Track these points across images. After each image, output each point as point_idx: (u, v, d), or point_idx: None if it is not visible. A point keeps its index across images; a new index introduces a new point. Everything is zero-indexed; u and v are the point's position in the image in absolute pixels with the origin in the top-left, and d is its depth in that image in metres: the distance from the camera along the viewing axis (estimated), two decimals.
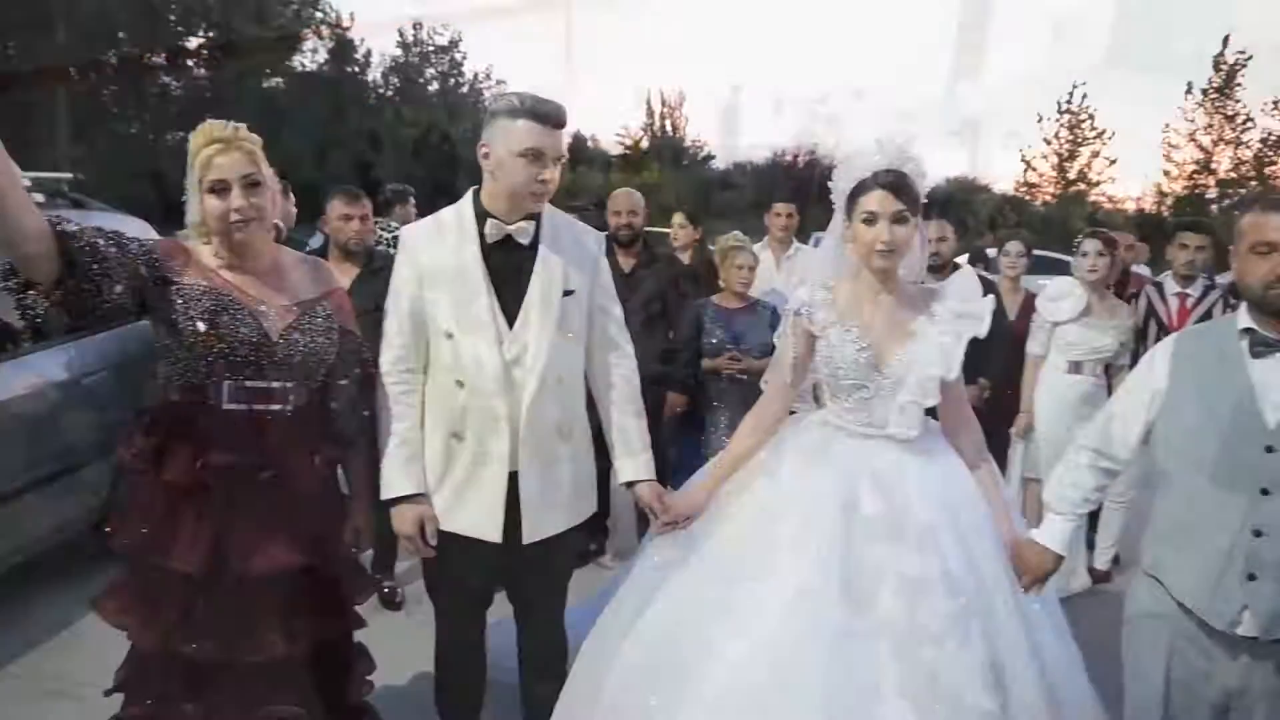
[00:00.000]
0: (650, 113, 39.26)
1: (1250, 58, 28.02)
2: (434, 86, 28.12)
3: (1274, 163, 27.99)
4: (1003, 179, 33.83)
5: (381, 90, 27.02)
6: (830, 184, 2.29)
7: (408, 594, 3.94)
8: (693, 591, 2.14)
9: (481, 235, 2.27)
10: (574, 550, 2.69)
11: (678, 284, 4.22)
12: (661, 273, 4.17)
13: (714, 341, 4.08)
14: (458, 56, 28.72)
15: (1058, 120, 30.38)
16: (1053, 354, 4.17)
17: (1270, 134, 27.96)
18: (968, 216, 27.42)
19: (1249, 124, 28.14)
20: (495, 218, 2.26)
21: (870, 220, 2.13)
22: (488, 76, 29.49)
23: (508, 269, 2.27)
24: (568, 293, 2.31)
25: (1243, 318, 1.94)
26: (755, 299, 4.24)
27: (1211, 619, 1.89)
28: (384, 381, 2.31)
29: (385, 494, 2.28)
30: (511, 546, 2.30)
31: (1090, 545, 4.53)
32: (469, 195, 2.35)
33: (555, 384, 2.30)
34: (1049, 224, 25.88)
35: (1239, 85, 28.15)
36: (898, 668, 1.89)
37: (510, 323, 2.26)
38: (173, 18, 22.40)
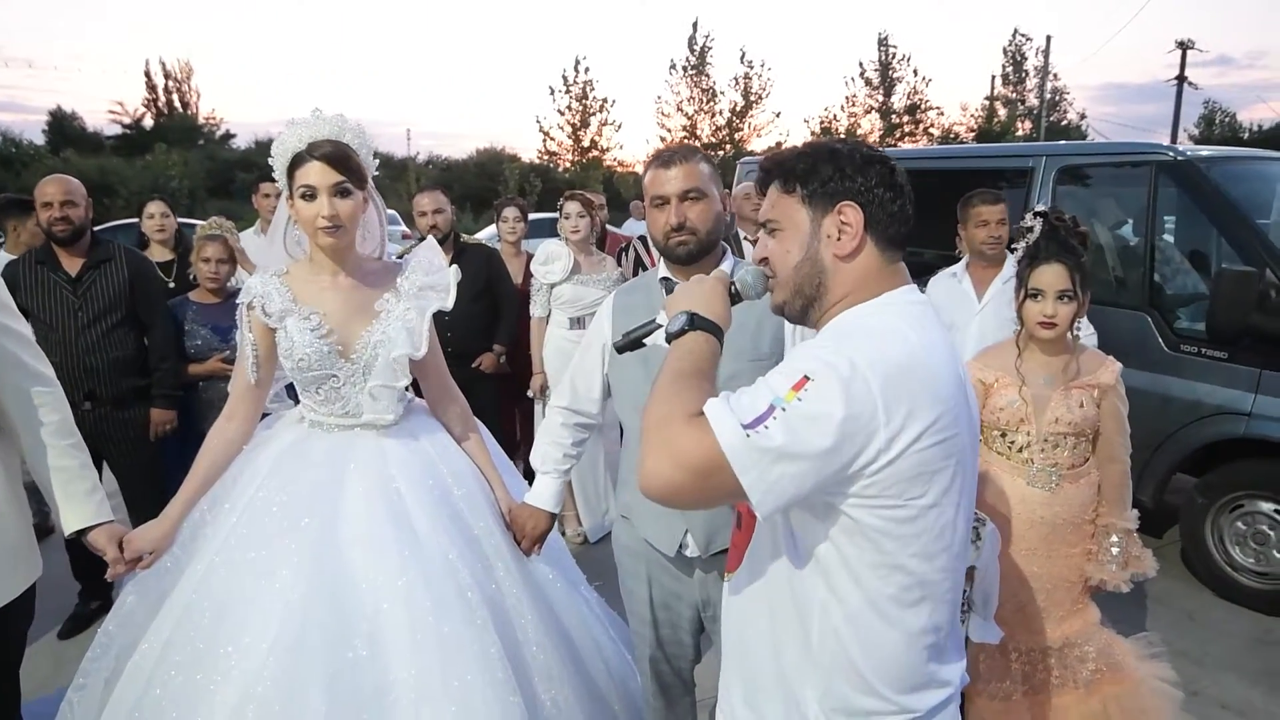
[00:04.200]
0: (152, 86, 34.62)
1: (714, 40, 33.37)
2: None
3: (741, 129, 33.63)
4: (528, 149, 35.97)
5: None
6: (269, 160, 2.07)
7: None
8: (166, 643, 1.85)
9: None
10: (17, 635, 2.16)
11: (143, 281, 3.58)
12: (118, 271, 3.50)
13: (199, 344, 3.63)
14: None
15: (567, 93, 33.01)
16: (554, 313, 4.39)
17: (735, 104, 33.52)
18: (499, 185, 28.67)
19: (719, 96, 33.51)
20: None
21: (310, 195, 1.97)
22: None
23: None
24: None
25: (661, 268, 2.12)
26: (237, 289, 3.81)
27: (665, 548, 2.07)
28: None
29: None
30: None
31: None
32: None
33: None
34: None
35: (710, 64, 33.35)
36: (402, 666, 1.80)
37: None
38: None
